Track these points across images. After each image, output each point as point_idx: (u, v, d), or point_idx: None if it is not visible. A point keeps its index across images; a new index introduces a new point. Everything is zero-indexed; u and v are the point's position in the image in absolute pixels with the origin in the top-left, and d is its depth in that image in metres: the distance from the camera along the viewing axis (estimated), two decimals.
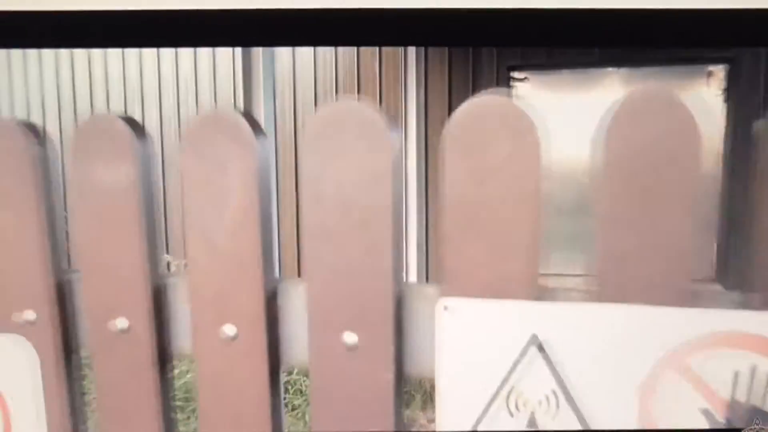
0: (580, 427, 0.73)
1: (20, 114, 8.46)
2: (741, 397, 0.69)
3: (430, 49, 6.96)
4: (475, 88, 6.82)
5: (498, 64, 6.80)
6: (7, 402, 0.98)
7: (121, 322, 0.90)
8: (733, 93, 6.38)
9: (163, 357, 0.92)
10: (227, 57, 7.70)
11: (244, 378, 0.85)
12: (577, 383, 0.73)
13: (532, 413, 0.74)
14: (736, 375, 0.68)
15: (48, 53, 8.42)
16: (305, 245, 0.80)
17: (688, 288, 0.70)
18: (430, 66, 6.95)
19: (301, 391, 3.60)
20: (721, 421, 0.70)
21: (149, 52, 7.91)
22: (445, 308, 0.75)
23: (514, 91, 6.89)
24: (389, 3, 0.84)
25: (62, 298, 0.95)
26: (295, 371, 3.62)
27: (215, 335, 0.85)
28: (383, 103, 7.02)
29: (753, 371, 0.68)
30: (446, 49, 6.95)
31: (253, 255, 0.82)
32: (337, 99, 5.61)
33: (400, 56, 6.99)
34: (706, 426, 0.70)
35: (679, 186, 0.70)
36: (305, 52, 7.25)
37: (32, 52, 8.54)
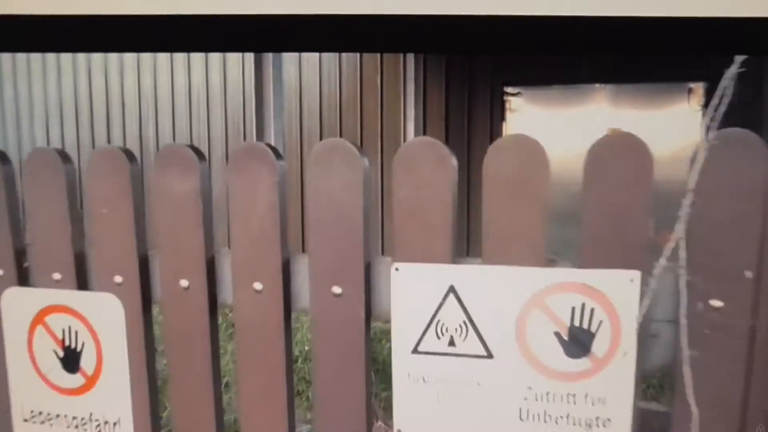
0: (482, 346, 1.17)
1: (39, 122, 8.91)
2: (575, 323, 1.12)
3: (429, 65, 7.36)
4: (471, 102, 7.26)
5: (492, 80, 7.20)
6: (101, 340, 1.42)
7: (184, 282, 1.34)
8: (710, 107, 6.78)
9: (214, 308, 1.36)
10: (236, 68, 8.11)
11: (267, 318, 1.29)
12: (478, 317, 1.16)
13: (451, 336, 1.18)
14: (573, 309, 1.12)
15: (66, 63, 8.84)
16: (308, 230, 1.24)
17: (543, 256, 1.14)
18: (428, 81, 7.36)
19: (305, 378, 4.01)
20: (565, 338, 1.13)
21: (163, 65, 8.34)
22: (396, 269, 1.19)
23: (507, 105, 7.30)
24: (390, 9, 1.12)
25: (143, 267, 1.39)
26: (300, 360, 4.04)
27: (249, 289, 1.29)
28: (384, 115, 7.46)
29: (582, 306, 1.12)
30: (444, 64, 7.35)
31: (274, 236, 1.26)
32: (340, 108, 6.05)
33: (401, 71, 7.39)
34: (555, 343, 1.14)
35: (532, 198, 1.13)
36: (310, 67, 7.67)
37: (52, 62, 8.95)
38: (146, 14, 0.91)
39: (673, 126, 6.99)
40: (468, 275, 1.16)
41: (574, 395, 1.14)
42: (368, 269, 1.22)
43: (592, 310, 1.11)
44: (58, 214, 1.40)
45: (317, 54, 7.72)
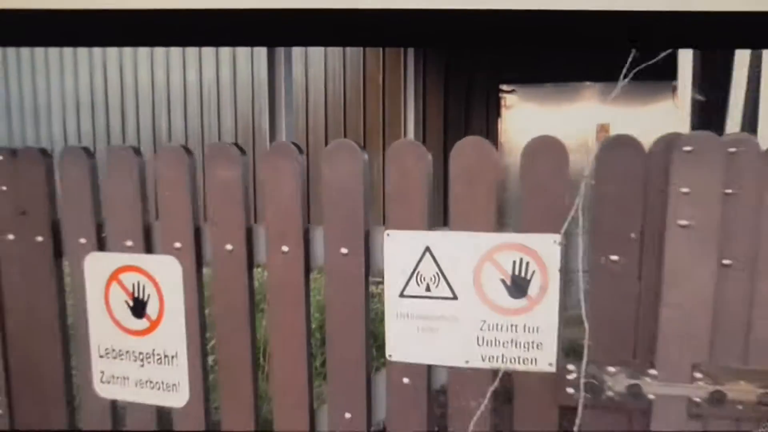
0: (449, 290, 1.61)
1: (56, 115, 9.35)
2: (516, 273, 1.56)
3: (428, 64, 7.77)
4: (468, 99, 7.68)
5: (488, 78, 7.62)
6: (163, 293, 1.86)
7: (228, 247, 1.78)
8: (693, 105, 7.21)
9: (251, 265, 1.80)
10: (246, 64, 8.52)
11: (291, 274, 1.74)
12: (446, 269, 1.60)
13: (428, 284, 1.62)
14: (514, 262, 1.56)
15: (83, 59, 9.26)
16: (323, 206, 1.68)
17: (492, 225, 1.57)
18: (428, 79, 7.78)
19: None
20: (508, 284, 1.57)
21: (176, 62, 8.74)
22: (388, 235, 1.63)
23: (503, 102, 7.72)
24: (391, 4, 1.22)
25: (197, 236, 1.83)
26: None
27: (278, 251, 1.73)
28: (385, 112, 7.89)
29: (520, 261, 1.56)
30: (443, 63, 7.76)
31: (296, 213, 1.71)
32: (344, 104, 6.45)
33: (402, 70, 7.80)
34: (502, 288, 1.57)
35: (484, 183, 1.57)
36: (316, 65, 8.09)
37: (68, 59, 9.37)
38: (157, 8, 1.00)
39: (658, 121, 7.42)
40: (439, 239, 1.60)
41: (515, 326, 1.58)
42: (367, 235, 1.66)
43: (528, 263, 1.55)
44: (130, 196, 1.85)
45: (322, 53, 8.13)
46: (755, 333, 1.44)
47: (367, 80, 8.01)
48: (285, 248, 1.72)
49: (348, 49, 8.18)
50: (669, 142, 1.42)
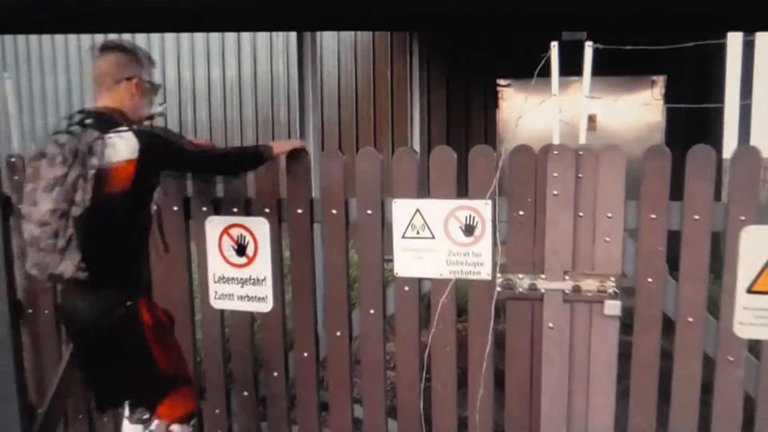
0: (430, 233, 2.97)
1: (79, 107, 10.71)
2: (467, 222, 2.93)
3: (432, 60, 9.11)
4: (469, 92, 9.06)
5: (486, 73, 8.96)
6: (258, 240, 3.23)
7: (334, 211, 3.16)
8: (669, 96, 8.57)
9: (348, 223, 3.18)
10: (265, 60, 9.89)
11: (332, 247, 3.11)
12: (429, 221, 2.98)
13: (417, 230, 2.99)
14: (466, 217, 2.93)
15: None
16: (357, 188, 3.05)
17: (455, 195, 2.95)
18: (432, 74, 9.14)
19: None
20: (463, 228, 2.94)
21: (201, 60, 10.11)
22: (395, 202, 3.01)
23: (500, 94, 9.06)
24: None
25: (278, 208, 3.20)
26: None
27: (365, 213, 3.11)
28: (393, 104, 9.25)
29: (470, 215, 2.92)
30: (445, 59, 9.10)
31: (338, 189, 3.08)
32: (356, 97, 7.84)
33: (408, 65, 9.14)
34: (459, 231, 2.94)
35: (448, 172, 2.94)
36: (329, 61, 9.44)
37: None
38: None
39: (638, 112, 8.79)
40: (424, 204, 2.97)
41: (467, 253, 2.95)
42: (383, 202, 3.03)
43: (474, 217, 2.91)
44: (239, 180, 3.21)
45: (335, 50, 9.48)
46: (595, 252, 2.80)
47: (376, 75, 9.37)
48: (369, 211, 3.09)
49: (359, 45, 9.54)
50: (545, 149, 2.78)
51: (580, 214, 2.81)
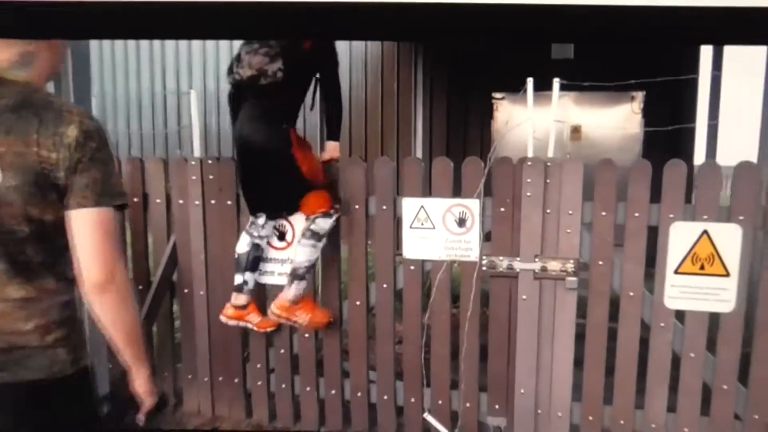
0: (432, 224, 3.75)
1: (122, 110, 11.48)
2: (460, 216, 3.71)
3: (434, 76, 9.91)
4: (467, 104, 9.85)
5: (483, 87, 9.76)
6: (295, 228, 4.01)
7: (384, 207, 3.94)
8: (647, 111, 9.36)
9: (395, 218, 3.96)
10: None
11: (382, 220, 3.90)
12: (431, 214, 3.75)
13: (422, 222, 3.78)
14: (460, 212, 3.71)
15: (144, 63, 11.41)
16: (375, 188, 3.83)
17: (450, 194, 3.73)
18: (434, 88, 9.94)
19: None
20: (457, 221, 3.72)
21: (211, 72, 10.88)
22: (404, 200, 3.79)
23: (495, 107, 9.85)
24: None
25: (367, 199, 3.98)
26: None
27: (380, 209, 3.90)
28: (399, 115, 10.05)
29: (462, 210, 3.71)
30: (446, 75, 9.90)
31: (360, 189, 3.86)
32: (366, 110, 8.71)
33: (413, 80, 9.94)
34: (455, 223, 3.72)
35: (445, 178, 3.72)
36: (341, 76, 10.23)
37: (120, 68, 11.51)
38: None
39: (619, 124, 9.59)
40: (427, 201, 3.75)
41: (460, 240, 3.73)
42: (395, 200, 3.81)
43: (465, 212, 3.69)
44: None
45: (347, 64, 10.27)
46: (559, 240, 3.58)
47: (384, 88, 10.17)
48: (384, 207, 3.87)
49: (369, 61, 10.34)
50: (521, 161, 3.56)
51: (548, 211, 3.59)
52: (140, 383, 2.00)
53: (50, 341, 1.83)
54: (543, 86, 9.50)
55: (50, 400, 1.84)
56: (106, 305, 1.81)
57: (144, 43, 11.40)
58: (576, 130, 9.76)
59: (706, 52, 9.33)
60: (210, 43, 10.92)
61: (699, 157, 9.25)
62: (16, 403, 1.81)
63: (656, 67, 9.06)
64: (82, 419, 1.93)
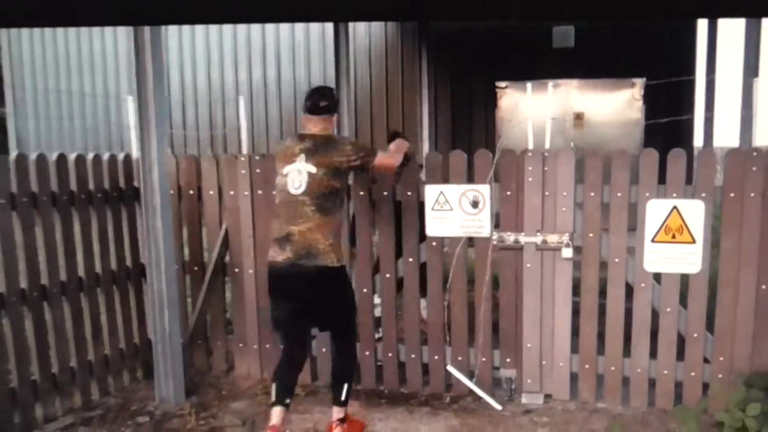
0: (450, 206, 4.89)
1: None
2: (473, 199, 4.85)
3: (439, 64, 11.04)
4: (471, 94, 11.00)
5: (486, 76, 10.90)
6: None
7: (409, 193, 5.07)
8: (647, 97, 10.52)
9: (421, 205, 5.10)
10: (288, 65, 11.80)
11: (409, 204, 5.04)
12: (449, 198, 4.89)
13: (441, 205, 4.92)
14: (474, 195, 4.85)
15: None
16: (404, 179, 4.96)
17: (464, 181, 4.87)
18: (438, 79, 11.08)
19: None
20: (471, 203, 4.86)
21: (229, 63, 12.00)
22: (427, 187, 4.93)
23: (499, 95, 10.98)
24: None
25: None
26: None
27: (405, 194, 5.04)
28: (404, 103, 11.19)
29: (476, 194, 4.85)
30: (449, 66, 11.03)
31: (388, 179, 4.99)
32: (370, 99, 10.00)
33: (417, 68, 11.06)
34: (469, 205, 4.86)
35: (460, 167, 4.86)
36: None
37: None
38: None
39: (620, 110, 10.76)
40: (446, 187, 4.89)
41: (474, 220, 4.87)
42: (419, 187, 4.95)
43: (478, 195, 4.83)
44: None
45: (353, 59, 11.37)
46: (556, 218, 4.72)
47: (389, 80, 11.31)
48: (409, 193, 5.00)
49: (373, 53, 11.47)
50: (524, 152, 4.69)
51: (546, 193, 4.73)
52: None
53: (328, 248, 4.14)
54: (545, 74, 10.67)
55: (328, 278, 4.20)
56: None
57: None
58: (578, 117, 10.90)
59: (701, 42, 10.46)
60: (257, 58, 12.05)
61: (698, 141, 10.41)
62: (312, 277, 4.17)
63: (655, 53, 10.20)
64: (343, 289, 4.43)
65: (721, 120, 9.89)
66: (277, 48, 11.89)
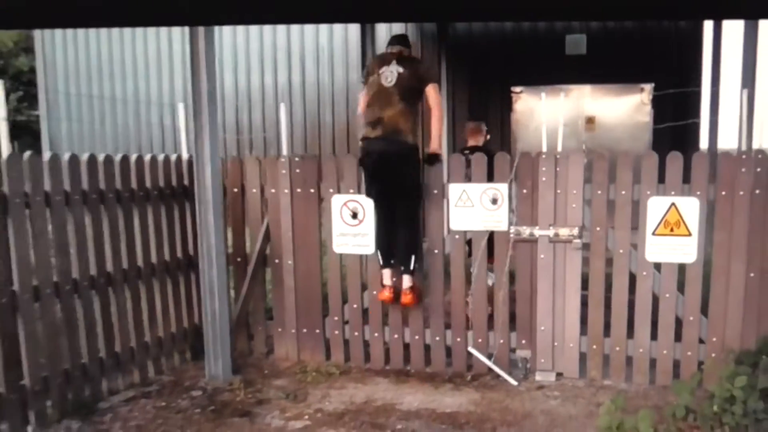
0: (471, 202, 5.50)
1: (154, 111, 13.25)
2: (492, 197, 5.47)
3: (457, 71, 11.65)
4: (488, 98, 11.62)
5: (502, 82, 11.51)
6: (365, 210, 5.77)
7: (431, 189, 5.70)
8: (655, 101, 11.10)
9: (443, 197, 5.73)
10: (313, 69, 12.44)
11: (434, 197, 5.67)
12: (472, 195, 5.51)
13: (464, 202, 5.54)
14: (493, 193, 5.47)
15: (178, 65, 13.18)
16: (428, 178, 5.59)
17: (485, 180, 5.49)
18: (456, 84, 11.70)
19: None
20: (491, 200, 5.47)
21: (255, 67, 12.65)
22: (451, 185, 5.55)
23: (514, 100, 11.59)
24: None
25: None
26: None
27: (431, 192, 5.66)
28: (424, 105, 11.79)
29: (494, 192, 5.47)
30: (467, 71, 11.64)
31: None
32: None
33: (438, 76, 11.64)
34: (489, 202, 5.48)
35: (480, 165, 5.48)
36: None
37: (165, 65, 13.27)
38: None
39: (630, 114, 11.35)
40: (468, 186, 5.52)
41: (493, 215, 5.50)
42: (443, 186, 5.57)
43: (497, 193, 5.46)
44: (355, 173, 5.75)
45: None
46: (567, 213, 5.33)
47: None
48: (435, 191, 5.62)
49: None
50: (538, 154, 5.31)
51: (558, 191, 5.35)
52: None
53: (408, 130, 5.49)
54: (559, 79, 11.27)
55: (407, 152, 5.51)
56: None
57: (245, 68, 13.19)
58: (590, 121, 11.50)
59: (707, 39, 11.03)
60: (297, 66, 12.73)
61: (704, 143, 10.99)
62: (396, 149, 5.50)
63: (663, 60, 10.80)
64: (416, 166, 5.66)
65: (725, 124, 10.46)
66: (301, 52, 12.55)
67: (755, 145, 7.48)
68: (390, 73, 5.59)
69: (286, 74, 12.59)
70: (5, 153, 4.63)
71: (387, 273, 5.74)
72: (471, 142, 7.21)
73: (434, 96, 5.72)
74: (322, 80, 12.42)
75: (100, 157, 5.26)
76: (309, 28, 12.11)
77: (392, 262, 5.72)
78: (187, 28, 13.11)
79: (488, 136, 7.39)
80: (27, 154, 4.67)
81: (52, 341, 4.85)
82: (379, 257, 5.75)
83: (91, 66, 13.76)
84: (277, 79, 12.64)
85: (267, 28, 12.20)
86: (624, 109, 11.49)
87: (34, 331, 4.67)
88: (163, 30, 13.04)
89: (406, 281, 5.68)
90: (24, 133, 20.12)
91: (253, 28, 12.22)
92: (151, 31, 13.17)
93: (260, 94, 12.70)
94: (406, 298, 5.67)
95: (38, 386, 4.67)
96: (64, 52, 13.77)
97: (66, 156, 5.02)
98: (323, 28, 12.15)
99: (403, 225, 5.69)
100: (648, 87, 11.25)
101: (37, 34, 14.03)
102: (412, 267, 5.67)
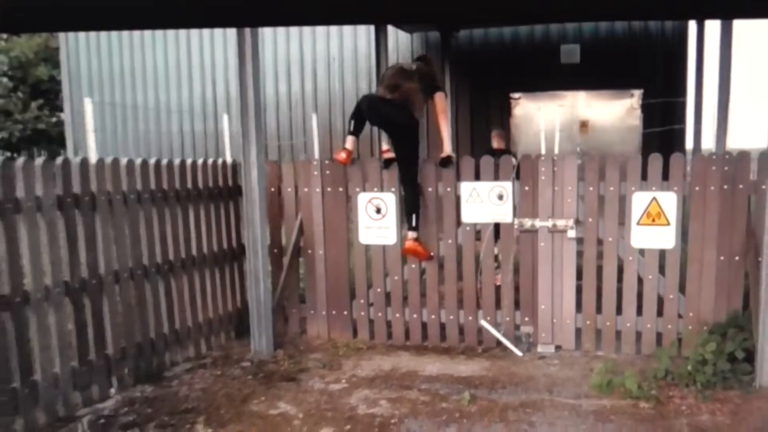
0: (480, 199, 6.40)
1: (186, 116, 14.14)
2: (499, 193, 6.37)
3: (459, 77, 12.54)
4: (488, 104, 12.53)
5: (501, 89, 12.42)
6: (388, 206, 6.67)
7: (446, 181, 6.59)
8: (644, 107, 12.02)
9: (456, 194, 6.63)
10: (324, 77, 13.31)
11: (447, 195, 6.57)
12: (481, 192, 6.42)
13: (474, 198, 6.44)
14: (500, 190, 6.37)
15: (197, 73, 14.06)
16: (443, 178, 6.49)
17: (493, 179, 6.39)
18: (459, 91, 12.59)
19: None
20: (497, 196, 6.38)
21: (270, 75, 13.52)
22: (462, 184, 6.46)
23: (513, 105, 12.49)
24: None
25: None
26: None
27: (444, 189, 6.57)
28: (428, 112, 12.68)
29: (501, 190, 6.37)
30: (468, 79, 12.53)
31: (431, 178, 6.51)
32: None
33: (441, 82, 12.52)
34: (496, 197, 6.38)
35: (489, 165, 6.38)
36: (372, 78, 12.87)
37: (185, 73, 14.15)
38: None
39: (621, 118, 12.27)
40: (477, 184, 6.42)
41: (500, 209, 6.40)
42: (455, 185, 6.47)
43: (503, 190, 6.36)
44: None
45: (377, 65, 12.87)
46: (563, 207, 6.24)
47: None
48: (448, 189, 6.52)
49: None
50: (537, 157, 6.21)
51: (556, 188, 6.26)
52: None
53: (419, 107, 6.74)
54: (554, 86, 12.19)
55: (407, 126, 6.64)
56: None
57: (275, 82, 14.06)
58: (584, 125, 12.41)
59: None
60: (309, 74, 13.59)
61: (690, 145, 11.90)
62: (396, 123, 6.66)
63: (651, 67, 11.72)
64: (415, 136, 6.79)
65: (707, 127, 11.38)
66: (313, 61, 13.46)
67: (729, 146, 8.42)
68: (411, 64, 7.01)
69: (299, 83, 13.49)
70: (93, 160, 5.49)
71: (350, 140, 6.71)
72: (496, 145, 8.64)
73: (441, 103, 6.73)
74: (332, 88, 13.32)
75: (164, 161, 6.16)
76: (321, 39, 13.04)
77: (359, 135, 6.81)
78: (207, 39, 14.27)
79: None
80: (110, 159, 5.56)
81: (128, 318, 5.75)
82: (351, 125, 6.77)
83: (114, 75, 14.63)
84: (290, 87, 13.55)
85: (281, 40, 13.13)
86: (615, 113, 12.41)
87: (115, 308, 5.57)
88: (183, 40, 13.97)
89: (410, 235, 6.63)
90: (42, 138, 21.03)
91: (268, 40, 13.13)
92: (171, 40, 14.09)
93: (274, 101, 13.60)
94: (410, 245, 6.58)
95: (119, 355, 5.58)
96: (88, 62, 14.65)
97: (138, 161, 5.92)
98: (334, 38, 13.07)
99: (404, 189, 6.62)
100: (637, 93, 12.18)
101: (62, 44, 14.90)
102: (414, 223, 6.61)
